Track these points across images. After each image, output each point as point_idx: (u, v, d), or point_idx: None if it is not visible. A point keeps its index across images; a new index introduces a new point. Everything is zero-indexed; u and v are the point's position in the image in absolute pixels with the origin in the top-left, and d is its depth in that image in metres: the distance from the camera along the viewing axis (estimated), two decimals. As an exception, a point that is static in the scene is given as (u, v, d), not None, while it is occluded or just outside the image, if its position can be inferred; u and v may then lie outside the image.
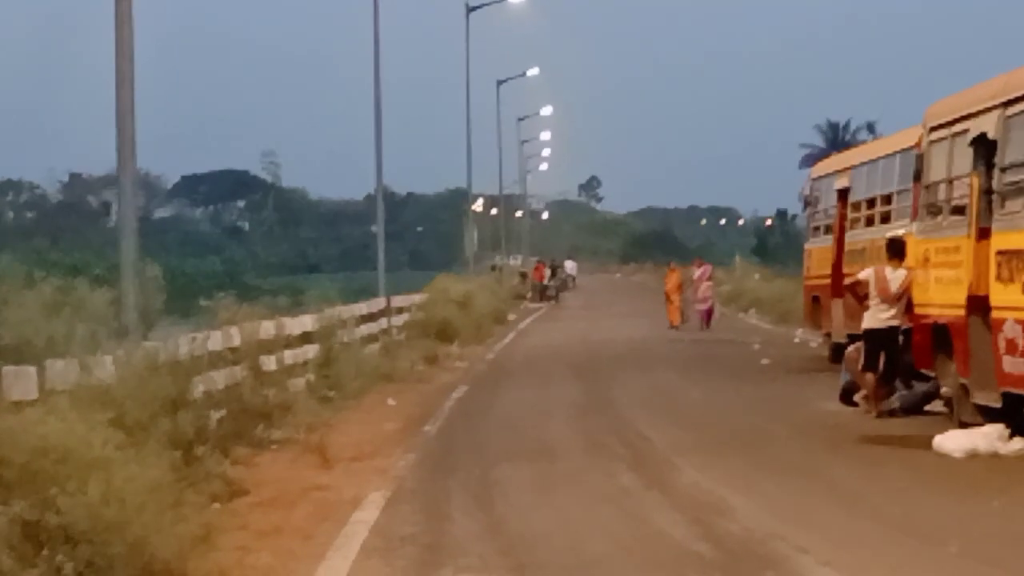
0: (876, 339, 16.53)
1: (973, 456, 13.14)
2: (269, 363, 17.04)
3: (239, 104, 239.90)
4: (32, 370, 9.77)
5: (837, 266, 23.74)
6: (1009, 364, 13.15)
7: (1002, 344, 13.27)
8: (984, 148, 14.17)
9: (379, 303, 29.30)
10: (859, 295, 16.98)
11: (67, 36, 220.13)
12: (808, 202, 27.96)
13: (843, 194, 24.42)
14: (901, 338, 16.51)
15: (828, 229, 25.47)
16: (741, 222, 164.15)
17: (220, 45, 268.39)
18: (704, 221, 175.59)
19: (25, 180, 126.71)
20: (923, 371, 16.16)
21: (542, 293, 63.20)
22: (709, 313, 37.88)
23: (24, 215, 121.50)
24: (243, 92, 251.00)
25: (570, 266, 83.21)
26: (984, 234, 13.96)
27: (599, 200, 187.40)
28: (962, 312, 14.45)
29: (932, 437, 13.82)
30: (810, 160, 74.78)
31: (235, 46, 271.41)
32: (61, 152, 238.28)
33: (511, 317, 47.03)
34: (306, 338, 20.14)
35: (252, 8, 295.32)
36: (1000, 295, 13.39)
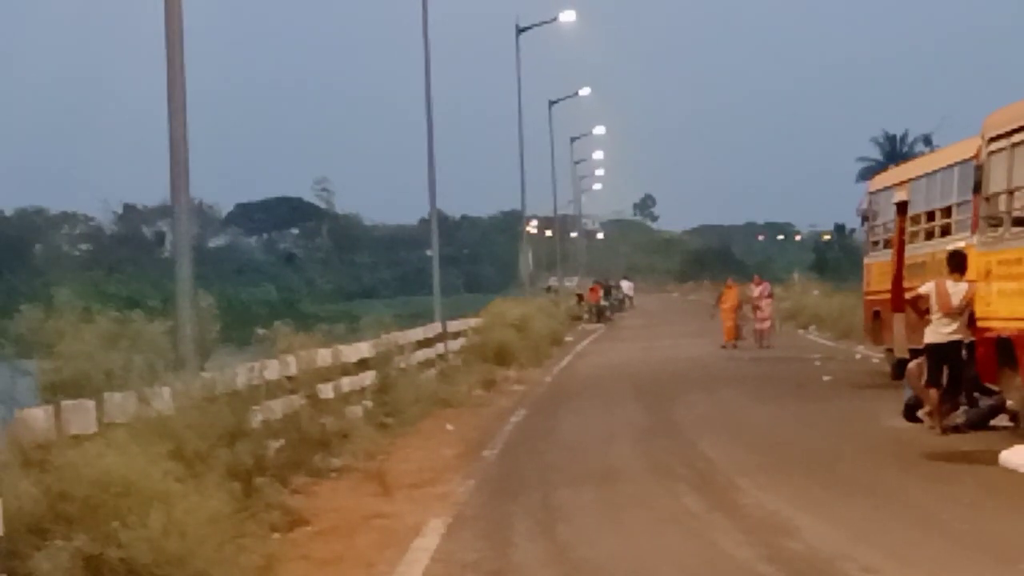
0: (939, 354, 16.41)
1: (1042, 471, 13.08)
2: (327, 391, 17.08)
3: (292, 133, 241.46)
4: (91, 404, 9.83)
5: (897, 280, 23.63)
6: (1077, 377, 13.04)
7: (1069, 356, 13.17)
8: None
9: (435, 328, 29.31)
10: (920, 309, 16.86)
11: (119, 68, 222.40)
12: (866, 216, 27.85)
13: (902, 207, 24.32)
14: (964, 352, 16.39)
15: (887, 243, 25.36)
16: (799, 237, 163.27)
17: (273, 77, 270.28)
18: (761, 237, 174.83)
19: (80, 212, 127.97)
20: (988, 385, 16.05)
21: (599, 314, 63.61)
22: (767, 332, 37.78)
23: (80, 247, 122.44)
24: (296, 121, 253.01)
25: (627, 286, 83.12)
26: (1048, 245, 13.88)
27: (655, 219, 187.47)
28: (1027, 325, 14.35)
29: (998, 452, 13.77)
30: (868, 173, 74.42)
31: (288, 77, 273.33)
32: (115, 184, 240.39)
33: (568, 339, 47.04)
34: (363, 365, 20.19)
35: (303, 40, 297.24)
36: (1066, 307, 13.29)
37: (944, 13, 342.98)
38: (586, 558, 10.08)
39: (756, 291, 38.61)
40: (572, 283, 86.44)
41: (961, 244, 18.01)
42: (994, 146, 15.83)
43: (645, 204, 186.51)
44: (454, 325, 31.75)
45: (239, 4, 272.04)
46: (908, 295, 18.88)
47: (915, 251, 23.03)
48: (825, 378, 25.97)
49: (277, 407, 14.91)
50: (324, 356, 17.55)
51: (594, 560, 9.98)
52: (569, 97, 69.18)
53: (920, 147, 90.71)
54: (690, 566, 9.62)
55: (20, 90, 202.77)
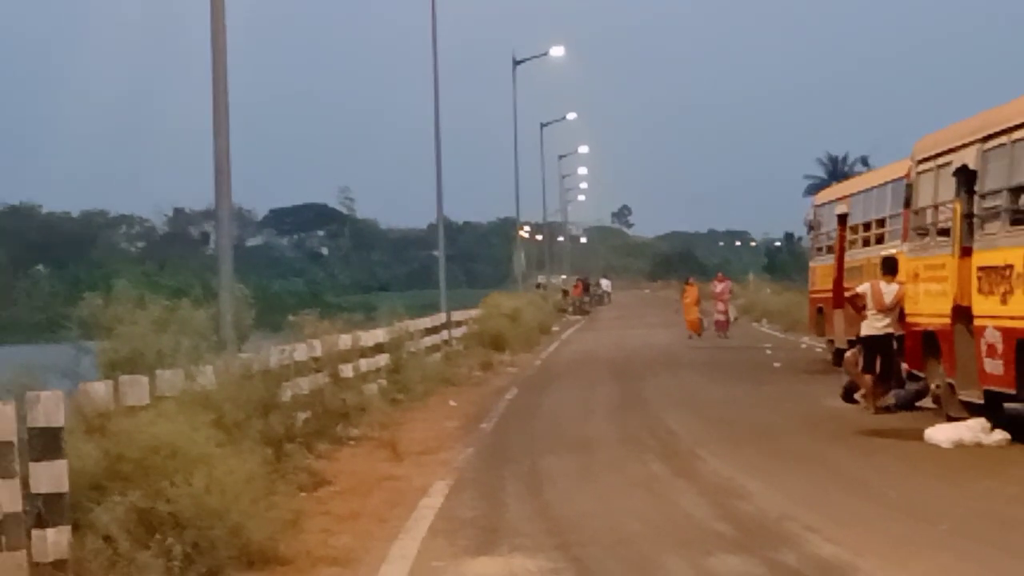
0: (873, 345, 16.44)
1: (959, 446, 13.06)
2: (347, 371, 17.08)
3: (320, 146, 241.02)
4: (144, 379, 9.83)
5: (838, 281, 23.64)
6: (989, 365, 13.05)
7: (983, 348, 13.18)
8: (965, 177, 14.08)
9: (441, 318, 29.32)
10: (858, 306, 16.88)
11: (174, 89, 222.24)
12: (812, 226, 27.88)
13: (842, 219, 24.35)
14: (895, 344, 16.42)
15: (830, 249, 25.38)
16: (754, 243, 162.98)
17: (303, 96, 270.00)
18: (721, 243, 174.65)
19: (136, 215, 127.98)
20: (915, 372, 16.07)
21: (580, 307, 63.91)
22: (726, 324, 37.74)
23: (135, 244, 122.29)
24: (324, 136, 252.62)
25: (605, 283, 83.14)
26: (966, 253, 13.88)
27: (630, 226, 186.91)
28: (948, 321, 14.35)
29: (923, 430, 13.76)
30: (813, 189, 74.29)
31: (316, 96, 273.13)
32: (167, 190, 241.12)
33: (555, 328, 47.01)
34: (378, 348, 20.19)
35: (329, 65, 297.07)
36: (981, 306, 13.30)
37: (884, 49, 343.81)
38: (567, 515, 10.08)
39: (719, 287, 38.57)
40: (557, 281, 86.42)
41: (893, 251, 18.02)
42: (922, 167, 15.83)
43: (622, 213, 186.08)
44: (457, 315, 31.75)
45: (278, 34, 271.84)
46: (847, 294, 18.86)
47: (853, 256, 23.05)
48: (775, 364, 25.97)
49: (304, 384, 14.90)
50: (345, 340, 17.55)
51: (573, 517, 9.97)
52: (558, 120, 69.20)
53: (859, 167, 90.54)
54: (655, 523, 9.61)
55: (87, 107, 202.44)
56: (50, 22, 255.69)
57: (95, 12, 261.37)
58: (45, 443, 7.76)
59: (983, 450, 12.89)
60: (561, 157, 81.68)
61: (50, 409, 7.81)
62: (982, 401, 13.50)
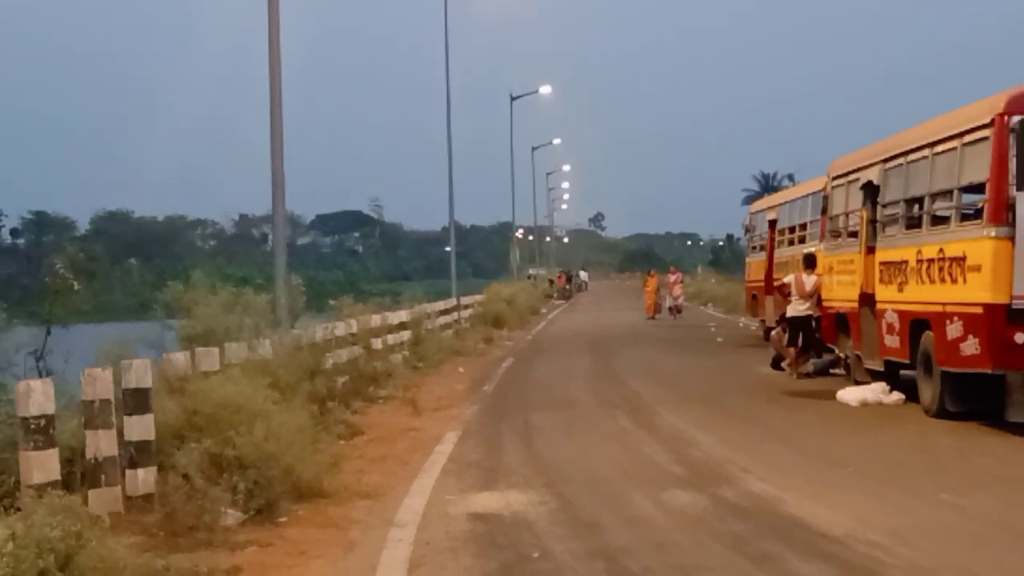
0: (796, 324, 16.46)
1: (864, 405, 13.11)
2: (377, 343, 17.12)
3: (356, 163, 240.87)
4: (215, 350, 9.83)
5: (768, 273, 23.62)
6: (888, 340, 13.08)
7: (884, 327, 13.19)
8: (870, 191, 14.09)
9: (452, 301, 29.34)
10: (784, 293, 16.91)
11: (238, 114, 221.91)
12: (748, 229, 27.86)
13: (772, 223, 24.32)
14: (814, 323, 16.43)
15: (762, 248, 25.34)
16: (702, 243, 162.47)
17: (343, 122, 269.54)
18: (676, 243, 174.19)
19: (209, 219, 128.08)
20: (829, 345, 16.09)
21: (563, 294, 63.87)
22: (679, 308, 37.72)
23: (208, 243, 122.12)
24: (359, 155, 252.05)
25: (584, 275, 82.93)
26: (871, 251, 13.89)
27: (603, 229, 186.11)
28: (856, 305, 14.37)
29: (835, 392, 13.80)
30: (749, 200, 74.34)
31: (354, 123, 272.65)
32: (233, 198, 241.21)
33: (543, 310, 46.96)
34: (402, 326, 20.23)
35: (363, 97, 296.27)
36: (882, 293, 13.31)
37: (807, 86, 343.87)
38: (552, 459, 10.10)
39: (673, 278, 38.55)
40: (543, 272, 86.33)
41: (812, 249, 18.01)
42: (836, 182, 15.83)
43: (597, 218, 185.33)
44: (465, 300, 31.75)
45: (322, 72, 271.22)
46: (776, 283, 18.89)
47: (781, 254, 23.04)
48: (718, 339, 26.00)
49: (343, 354, 14.94)
50: (375, 319, 17.58)
51: (557, 461, 9.99)
52: (545, 144, 69.05)
53: (786, 182, 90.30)
54: (624, 465, 9.63)
55: (172, 130, 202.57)
56: (144, 62, 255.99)
57: (182, 53, 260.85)
58: (136, 401, 7.77)
59: (883, 408, 12.93)
60: (548, 174, 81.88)
61: (140, 374, 7.82)
62: (883, 369, 13.52)
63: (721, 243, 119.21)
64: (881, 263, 13.36)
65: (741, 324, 31.09)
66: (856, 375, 14.51)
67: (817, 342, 16.47)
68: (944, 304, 11.37)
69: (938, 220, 11.98)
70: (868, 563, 6.15)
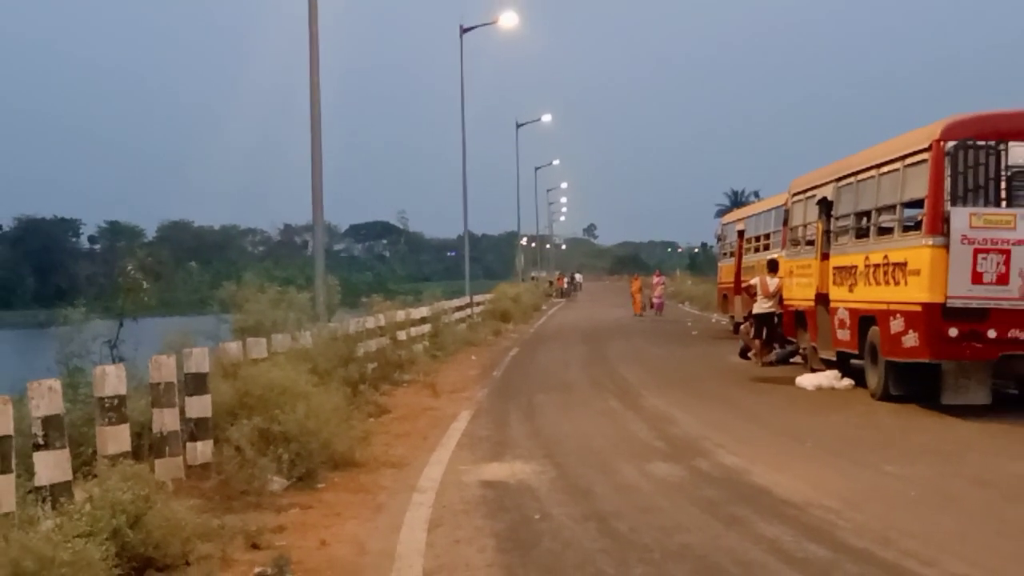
0: (761, 319, 16.42)
1: (820, 389, 13.08)
2: (401, 335, 17.12)
3: (385, 178, 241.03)
4: (263, 340, 9.84)
5: (737, 276, 23.61)
6: (840, 334, 13.04)
7: (836, 322, 13.16)
8: (825, 205, 14.06)
9: (466, 299, 29.33)
10: (751, 293, 16.85)
11: (285, 135, 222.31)
12: (719, 238, 27.86)
13: (741, 233, 24.31)
14: (776, 319, 16.40)
15: (732, 254, 25.34)
16: (680, 250, 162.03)
17: (374, 142, 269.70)
18: (658, 250, 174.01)
19: (258, 227, 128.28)
20: (790, 338, 16.06)
21: (562, 293, 63.74)
22: (661, 305, 37.69)
23: (258, 248, 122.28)
24: (388, 172, 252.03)
25: (579, 277, 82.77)
26: (825, 257, 13.86)
27: (596, 237, 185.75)
28: (812, 303, 14.34)
29: (795, 378, 13.76)
30: (720, 212, 74.28)
31: (383, 144, 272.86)
32: (280, 209, 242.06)
33: (544, 308, 46.90)
34: (423, 320, 20.19)
35: (392, 121, 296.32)
36: (835, 293, 13.28)
37: (770, 111, 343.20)
38: (552, 434, 10.09)
39: (656, 280, 38.50)
40: (543, 274, 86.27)
41: (775, 255, 17.98)
42: (796, 198, 15.80)
43: (590, 228, 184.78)
44: (477, 298, 31.74)
45: (356, 99, 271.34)
46: (743, 285, 18.86)
47: (748, 259, 23.02)
48: (694, 333, 25.96)
49: (372, 344, 14.94)
50: (400, 314, 17.57)
51: (556, 436, 9.98)
52: (546, 165, 69.04)
53: (752, 197, 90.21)
54: (613, 439, 9.62)
55: (226, 148, 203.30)
56: (205, 94, 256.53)
57: (237, 86, 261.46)
58: (196, 383, 7.78)
59: (836, 392, 12.89)
60: (548, 190, 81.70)
61: (199, 360, 7.83)
62: (835, 358, 13.49)
63: (697, 250, 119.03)
64: (834, 268, 13.33)
65: (714, 320, 31.06)
66: (812, 364, 14.48)
67: (779, 335, 16.44)
68: (888, 303, 11.35)
69: (883, 231, 11.97)
70: (823, 525, 6.14)
